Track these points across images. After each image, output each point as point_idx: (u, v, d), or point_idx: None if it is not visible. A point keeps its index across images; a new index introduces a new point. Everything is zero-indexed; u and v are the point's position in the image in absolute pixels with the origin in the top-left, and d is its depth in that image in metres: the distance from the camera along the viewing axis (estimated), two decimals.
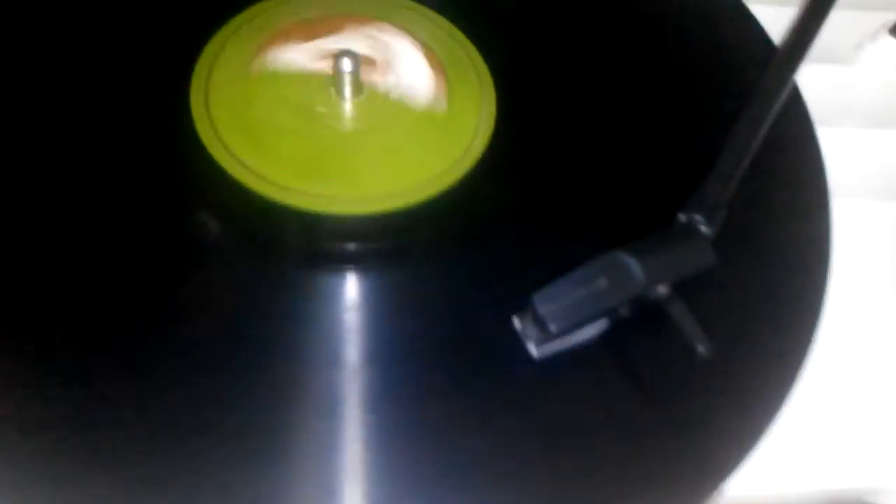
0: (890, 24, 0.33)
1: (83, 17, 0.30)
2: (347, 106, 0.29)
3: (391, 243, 0.28)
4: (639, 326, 0.24)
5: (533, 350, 0.24)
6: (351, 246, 0.27)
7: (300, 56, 0.30)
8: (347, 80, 0.29)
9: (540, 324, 0.23)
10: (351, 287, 0.26)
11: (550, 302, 0.23)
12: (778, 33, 0.33)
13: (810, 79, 0.31)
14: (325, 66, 0.30)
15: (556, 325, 0.23)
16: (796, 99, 0.31)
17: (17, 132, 0.27)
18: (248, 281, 0.26)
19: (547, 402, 0.24)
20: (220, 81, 0.29)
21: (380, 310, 0.26)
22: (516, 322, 0.24)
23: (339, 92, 0.29)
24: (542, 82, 0.31)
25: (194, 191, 0.27)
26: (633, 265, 0.23)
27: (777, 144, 0.28)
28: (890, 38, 0.33)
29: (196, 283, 0.25)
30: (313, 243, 0.27)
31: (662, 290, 0.23)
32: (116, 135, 0.28)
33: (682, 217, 0.25)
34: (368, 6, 0.32)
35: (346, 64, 0.28)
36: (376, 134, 0.29)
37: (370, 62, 0.30)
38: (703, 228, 0.24)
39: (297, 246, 0.28)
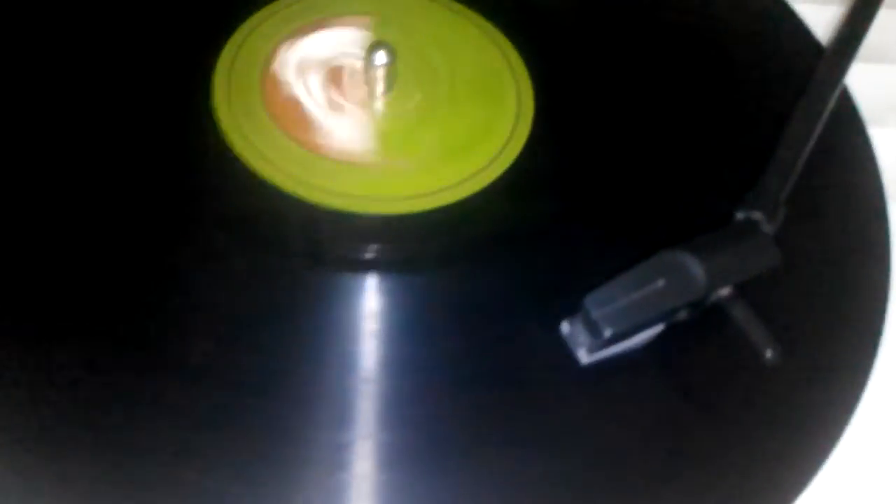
0: None
1: (103, 17, 0.29)
2: (378, 103, 0.28)
3: (421, 245, 0.26)
4: (696, 330, 0.23)
5: (582, 356, 0.22)
6: (377, 247, 0.26)
7: (323, 49, 0.29)
8: (380, 74, 0.27)
9: (592, 328, 0.22)
10: (379, 289, 0.25)
11: (604, 305, 0.21)
12: (823, 31, 0.32)
13: (859, 78, 0.30)
14: (352, 57, 0.28)
15: (611, 329, 0.21)
16: (846, 100, 0.29)
17: (35, 126, 0.26)
18: (274, 280, 0.24)
19: (591, 415, 0.22)
20: (242, 79, 0.28)
21: (411, 314, 0.24)
22: (565, 327, 0.23)
23: (371, 87, 0.28)
24: (582, 82, 0.29)
25: (215, 186, 0.26)
26: (694, 265, 0.22)
27: (829, 145, 0.27)
28: None
29: (221, 283, 0.24)
30: (339, 243, 0.26)
31: (724, 290, 0.22)
32: (138, 131, 0.26)
33: (740, 215, 0.23)
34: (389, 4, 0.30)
35: (380, 57, 0.27)
36: (407, 131, 0.27)
37: None
38: (765, 226, 0.23)
39: (322, 246, 0.26)
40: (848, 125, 0.29)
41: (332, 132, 0.27)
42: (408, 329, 0.24)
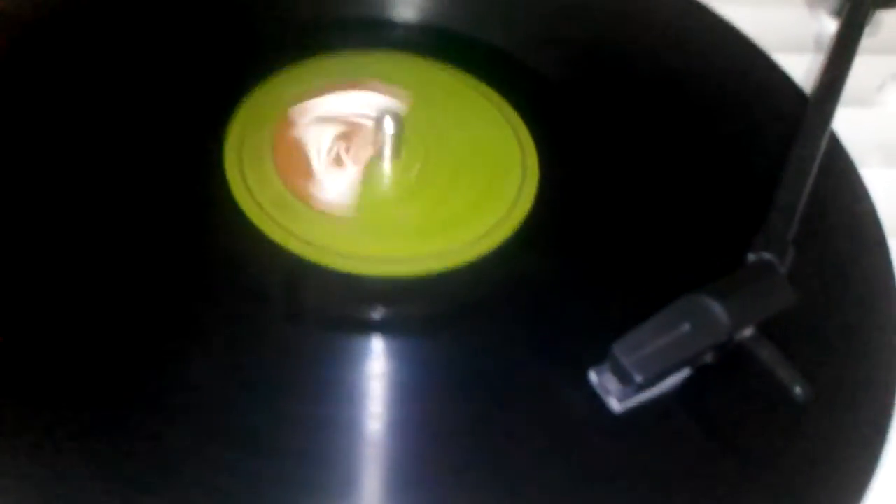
0: None
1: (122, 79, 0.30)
2: (386, 166, 0.29)
3: (431, 307, 0.26)
4: (723, 373, 0.23)
5: (614, 405, 0.23)
6: (385, 309, 0.26)
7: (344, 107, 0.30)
8: (389, 141, 0.28)
9: (622, 375, 0.22)
10: (393, 351, 0.25)
11: (632, 351, 0.22)
12: (802, 77, 0.34)
13: (840, 122, 0.31)
14: (358, 124, 0.29)
15: (642, 375, 0.21)
16: (835, 142, 0.31)
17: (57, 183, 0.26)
18: (287, 344, 0.24)
19: (624, 464, 0.22)
20: (252, 145, 0.28)
21: (423, 377, 0.24)
22: (593, 376, 0.23)
23: (377, 151, 0.28)
24: (583, 143, 0.30)
25: (229, 249, 0.26)
26: (716, 308, 0.22)
27: (824, 187, 0.28)
28: None
29: (231, 343, 0.24)
30: (348, 305, 0.26)
31: (748, 331, 0.22)
32: (149, 192, 0.27)
33: (751, 257, 0.24)
34: (395, 71, 0.31)
35: (389, 125, 0.28)
36: (415, 196, 0.28)
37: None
38: (778, 267, 0.23)
39: (331, 307, 0.26)
40: (839, 167, 0.30)
41: (327, 185, 0.28)
42: (427, 391, 0.24)
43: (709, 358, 0.23)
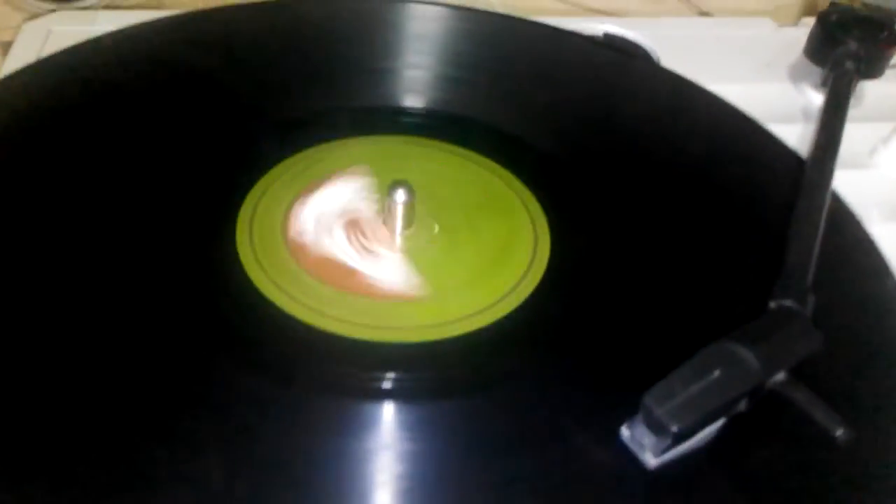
0: None
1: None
2: (398, 238, 0.29)
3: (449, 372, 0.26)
4: (756, 421, 0.22)
5: (649, 460, 0.22)
6: (402, 375, 0.25)
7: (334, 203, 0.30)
8: (400, 211, 0.28)
9: (655, 427, 0.21)
10: (411, 419, 0.24)
11: (665, 401, 0.21)
12: (794, 144, 0.35)
13: (836, 184, 0.32)
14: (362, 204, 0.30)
15: (678, 425, 0.21)
16: (837, 201, 0.31)
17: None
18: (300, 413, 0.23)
19: None
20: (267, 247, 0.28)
21: (443, 443, 0.23)
22: (625, 432, 0.22)
23: (390, 224, 0.29)
24: (590, 214, 0.31)
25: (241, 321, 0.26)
26: (744, 353, 0.22)
27: (833, 242, 0.28)
28: None
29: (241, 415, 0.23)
30: (358, 373, 0.25)
31: (780, 376, 0.22)
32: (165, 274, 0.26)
33: (773, 305, 0.24)
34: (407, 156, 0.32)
35: (400, 195, 0.28)
36: (439, 258, 0.28)
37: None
38: (802, 312, 0.23)
39: (337, 374, 0.25)
40: (845, 222, 0.31)
41: (375, 275, 0.27)
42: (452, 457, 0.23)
43: (742, 406, 0.22)
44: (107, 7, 0.42)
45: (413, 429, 0.23)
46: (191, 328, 0.25)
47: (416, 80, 0.36)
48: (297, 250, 0.28)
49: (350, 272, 0.27)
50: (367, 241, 0.28)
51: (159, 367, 0.24)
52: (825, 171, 0.29)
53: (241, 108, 0.33)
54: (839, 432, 0.20)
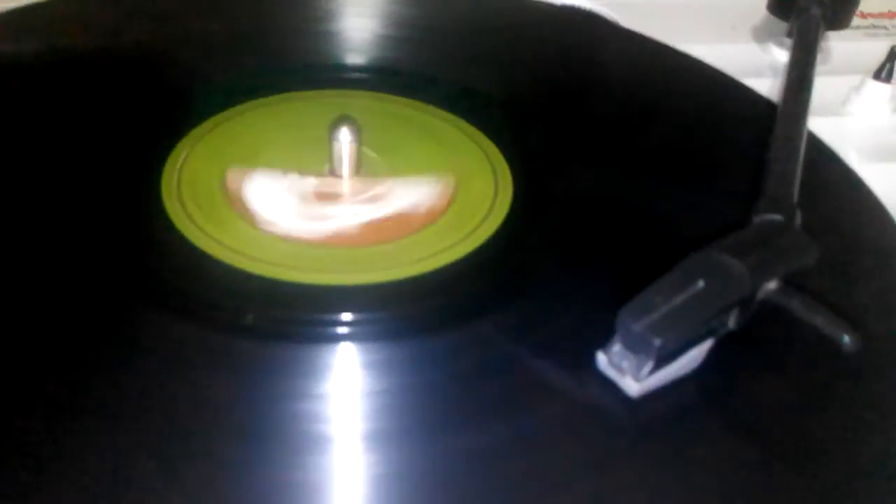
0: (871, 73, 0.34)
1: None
2: (345, 184, 0.26)
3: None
4: (749, 346, 0.20)
5: (631, 387, 0.19)
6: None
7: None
8: (346, 151, 0.26)
9: (636, 345, 0.19)
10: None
11: (643, 315, 0.18)
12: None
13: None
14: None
15: (660, 338, 0.18)
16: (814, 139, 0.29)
17: None
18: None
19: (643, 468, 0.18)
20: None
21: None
22: (601, 359, 0.20)
23: (336, 167, 0.26)
24: (549, 157, 0.28)
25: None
26: (732, 261, 0.19)
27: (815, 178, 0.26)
28: (875, 83, 0.33)
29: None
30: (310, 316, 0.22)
31: (772, 285, 0.19)
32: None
33: (756, 219, 0.22)
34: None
35: (345, 134, 0.26)
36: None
37: None
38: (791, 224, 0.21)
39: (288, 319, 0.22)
40: (827, 160, 0.29)
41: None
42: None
43: (731, 323, 0.19)
44: None
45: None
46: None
47: (357, 39, 0.34)
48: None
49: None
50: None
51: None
52: (801, 101, 0.27)
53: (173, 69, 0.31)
54: (846, 339, 0.18)
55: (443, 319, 0.22)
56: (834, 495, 0.18)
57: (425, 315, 0.22)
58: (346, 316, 0.21)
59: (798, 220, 0.22)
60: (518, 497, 0.18)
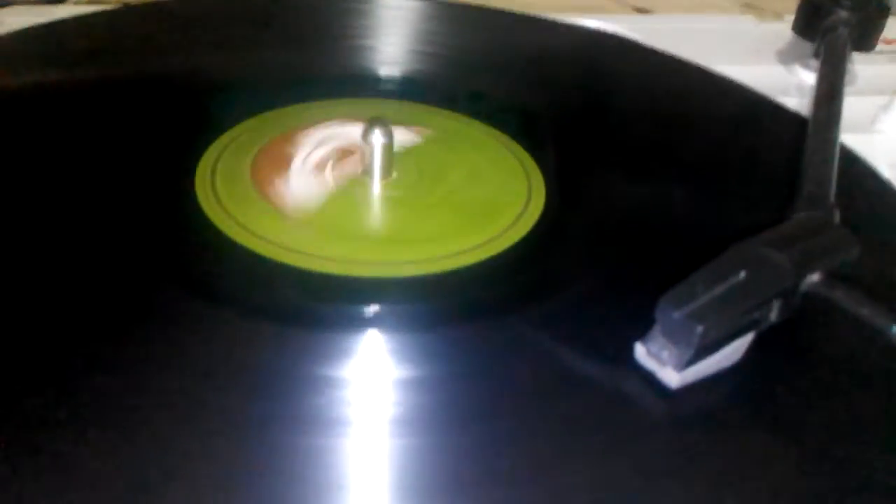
0: None
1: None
2: (373, 184, 0.26)
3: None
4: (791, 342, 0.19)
5: (671, 378, 0.18)
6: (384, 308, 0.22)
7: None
8: (378, 153, 0.26)
9: (677, 335, 0.18)
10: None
11: (685, 303, 0.18)
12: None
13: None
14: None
15: (703, 324, 0.18)
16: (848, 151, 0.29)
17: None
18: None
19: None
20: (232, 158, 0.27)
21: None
22: (639, 349, 0.19)
23: (368, 170, 0.26)
24: (581, 162, 0.29)
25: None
26: (774, 253, 0.19)
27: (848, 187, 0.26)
28: None
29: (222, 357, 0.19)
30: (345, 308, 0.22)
31: (815, 277, 0.19)
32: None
33: (795, 217, 0.21)
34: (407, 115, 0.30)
35: (378, 136, 0.26)
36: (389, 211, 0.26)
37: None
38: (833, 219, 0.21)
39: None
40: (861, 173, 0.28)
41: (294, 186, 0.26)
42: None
43: (774, 316, 0.19)
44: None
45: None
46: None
47: (392, 54, 0.34)
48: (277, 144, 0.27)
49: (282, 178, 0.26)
50: (330, 166, 0.26)
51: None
52: (833, 109, 0.27)
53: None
54: (895, 329, 0.17)
55: (478, 312, 0.21)
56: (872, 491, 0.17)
57: (462, 307, 0.22)
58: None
59: (836, 217, 0.21)
60: (553, 487, 0.17)
